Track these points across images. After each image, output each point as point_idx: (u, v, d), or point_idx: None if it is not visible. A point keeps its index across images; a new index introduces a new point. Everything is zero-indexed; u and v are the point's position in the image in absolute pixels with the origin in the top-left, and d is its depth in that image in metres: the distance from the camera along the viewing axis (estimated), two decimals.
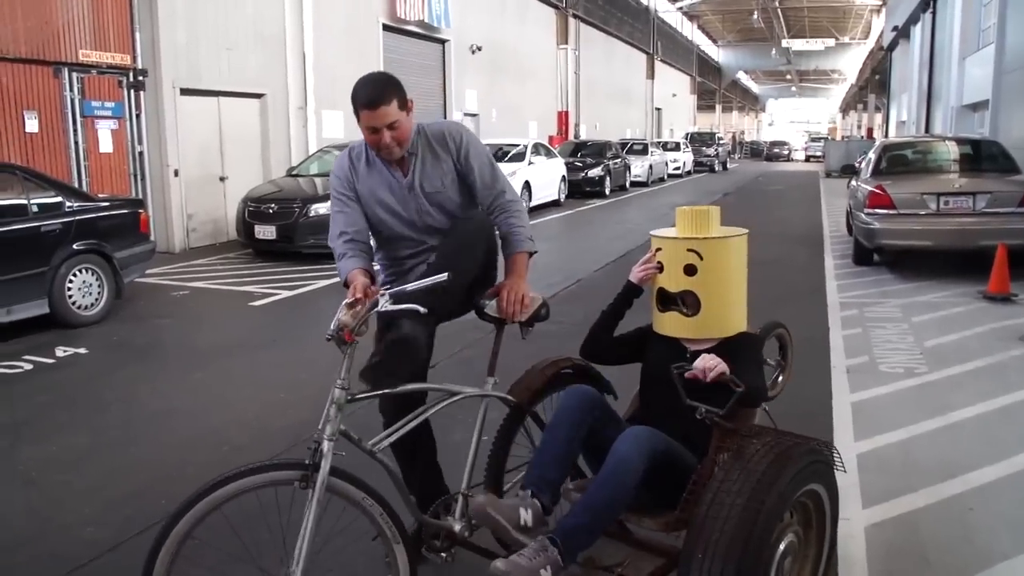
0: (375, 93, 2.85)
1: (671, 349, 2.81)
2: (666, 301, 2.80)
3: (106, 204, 8.19)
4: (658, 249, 2.82)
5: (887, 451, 4.39)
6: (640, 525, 2.66)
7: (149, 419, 5.17)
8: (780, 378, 3.28)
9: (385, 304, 2.44)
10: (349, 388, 2.42)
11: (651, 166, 28.72)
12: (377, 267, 3.13)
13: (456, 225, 3.03)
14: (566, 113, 29.34)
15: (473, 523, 2.81)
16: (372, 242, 3.09)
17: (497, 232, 3.07)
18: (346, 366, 2.42)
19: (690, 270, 2.70)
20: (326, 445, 2.35)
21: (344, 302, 2.54)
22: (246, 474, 2.29)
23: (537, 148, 19.20)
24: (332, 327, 2.42)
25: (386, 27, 17.68)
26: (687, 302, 2.75)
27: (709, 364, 2.44)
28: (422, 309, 2.49)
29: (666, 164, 31.82)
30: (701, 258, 2.68)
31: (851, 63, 62.95)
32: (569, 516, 2.47)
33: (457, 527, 2.79)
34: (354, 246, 2.99)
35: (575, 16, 29.80)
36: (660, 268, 2.81)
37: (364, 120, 2.86)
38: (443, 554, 2.90)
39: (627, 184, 25.56)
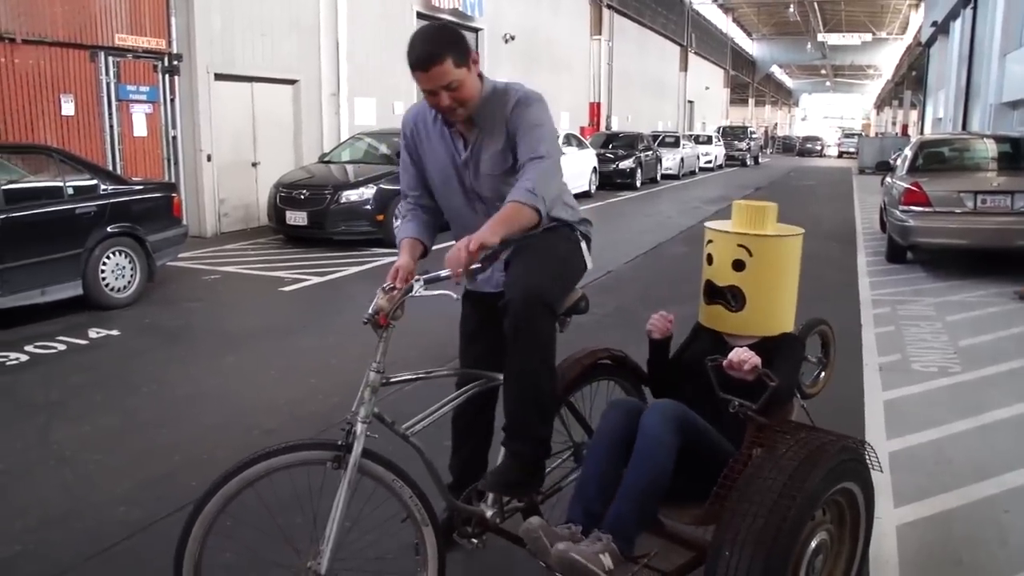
0: (426, 51, 2.56)
1: (714, 342, 2.83)
2: (712, 294, 2.80)
3: (140, 188, 8.27)
4: (710, 241, 2.82)
5: (920, 450, 4.33)
6: (670, 517, 2.64)
7: (180, 401, 5.22)
8: (822, 375, 3.24)
9: (419, 290, 2.44)
10: (384, 371, 2.43)
11: (682, 159, 28.52)
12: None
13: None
14: (598, 104, 29.21)
15: (505, 511, 2.81)
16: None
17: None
18: (381, 350, 2.43)
19: (738, 265, 2.70)
20: (359, 427, 2.36)
21: (382, 286, 2.56)
22: (279, 452, 2.32)
23: (569, 139, 19.13)
24: (370, 310, 2.43)
25: (420, 15, 17.67)
26: (732, 296, 2.74)
27: (743, 356, 2.43)
28: (455, 296, 2.48)
29: (697, 157, 31.60)
30: (751, 254, 2.68)
31: (887, 59, 62.09)
32: (613, 507, 2.44)
33: (489, 513, 2.78)
34: (415, 209, 2.95)
35: (609, 7, 29.62)
36: (709, 260, 2.80)
37: (419, 82, 2.61)
38: (474, 540, 2.91)
39: (658, 177, 25.42)
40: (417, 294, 2.44)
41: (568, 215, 2.89)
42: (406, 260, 2.69)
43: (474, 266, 2.39)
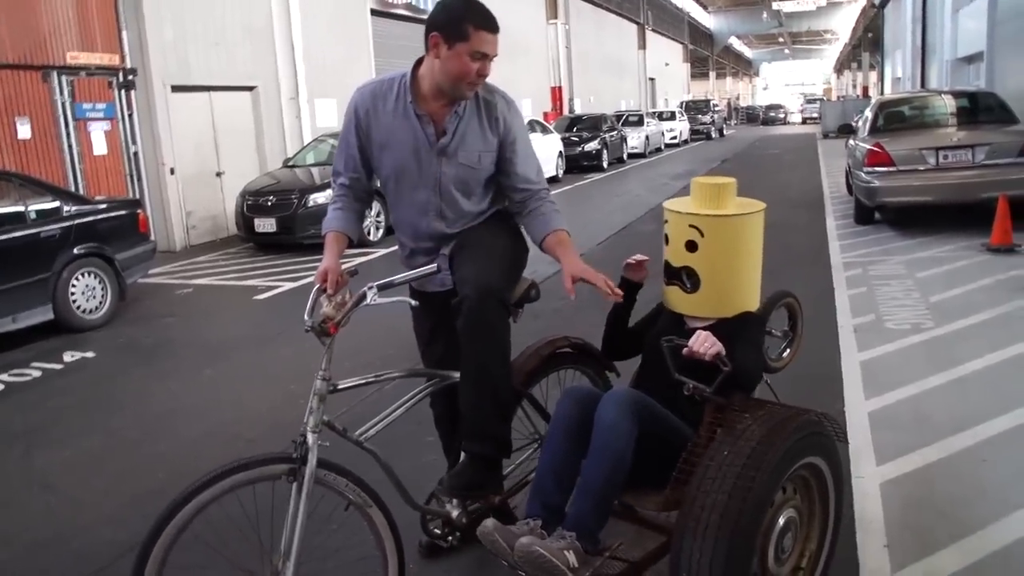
0: (494, 18, 2.63)
1: (674, 323, 2.78)
2: (670, 275, 2.74)
3: (104, 206, 8.18)
4: (666, 221, 2.77)
5: (898, 408, 4.39)
6: (635, 504, 2.61)
7: (161, 418, 5.18)
8: (789, 349, 3.24)
9: (373, 298, 2.40)
10: (331, 379, 2.41)
11: (647, 137, 28.59)
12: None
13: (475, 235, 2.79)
14: (559, 88, 29.19)
15: (470, 510, 2.79)
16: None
17: (527, 217, 2.81)
18: (327, 358, 2.40)
19: (691, 246, 2.64)
20: (311, 437, 2.32)
21: (316, 288, 2.54)
22: (234, 471, 2.26)
23: (533, 125, 19.12)
24: (311, 320, 2.40)
25: (374, 12, 17.58)
26: (687, 277, 2.69)
27: (705, 346, 2.38)
28: (413, 302, 2.48)
29: (662, 134, 31.71)
30: (702, 235, 2.62)
31: (843, 22, 62.46)
32: (573, 503, 2.42)
33: (455, 514, 2.76)
34: (346, 196, 2.88)
35: None
36: (667, 240, 2.76)
37: (478, 43, 2.57)
38: (448, 540, 2.91)
39: (624, 156, 25.48)
40: (371, 303, 2.39)
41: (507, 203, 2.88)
42: (332, 261, 2.67)
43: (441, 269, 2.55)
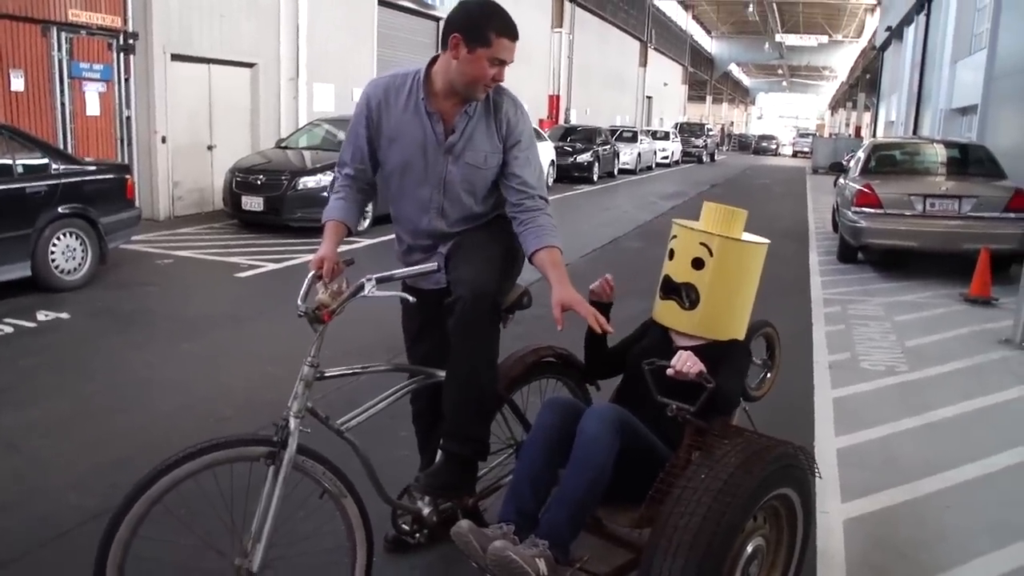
0: (515, 25, 2.66)
1: (662, 339, 2.81)
2: (668, 289, 2.76)
3: (92, 168, 8.12)
4: (674, 236, 2.78)
5: (867, 447, 4.45)
6: (607, 519, 2.62)
7: (134, 387, 5.14)
8: (767, 377, 3.28)
9: (371, 290, 2.40)
10: (319, 366, 2.41)
11: (640, 154, 28.73)
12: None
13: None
14: (557, 97, 29.27)
15: (441, 509, 2.80)
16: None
17: (522, 226, 2.77)
18: (317, 344, 2.40)
19: (697, 263, 2.67)
20: (293, 423, 2.32)
21: (312, 274, 2.55)
22: (213, 449, 2.25)
23: None
24: (305, 305, 2.40)
25: (381, 2, 17.54)
26: (687, 294, 2.72)
27: (687, 367, 2.41)
28: (411, 298, 2.46)
29: (655, 153, 31.90)
30: (711, 254, 2.65)
31: (843, 61, 63.17)
32: (548, 511, 2.42)
33: (426, 511, 2.78)
34: (349, 186, 2.89)
35: (571, 0, 29.67)
36: (671, 255, 2.78)
37: (498, 49, 2.61)
38: (416, 536, 2.93)
39: (615, 171, 25.59)
40: (369, 294, 2.40)
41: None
42: (330, 249, 2.69)
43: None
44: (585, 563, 2.47)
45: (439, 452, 2.76)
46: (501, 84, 2.78)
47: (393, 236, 3.07)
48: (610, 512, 2.59)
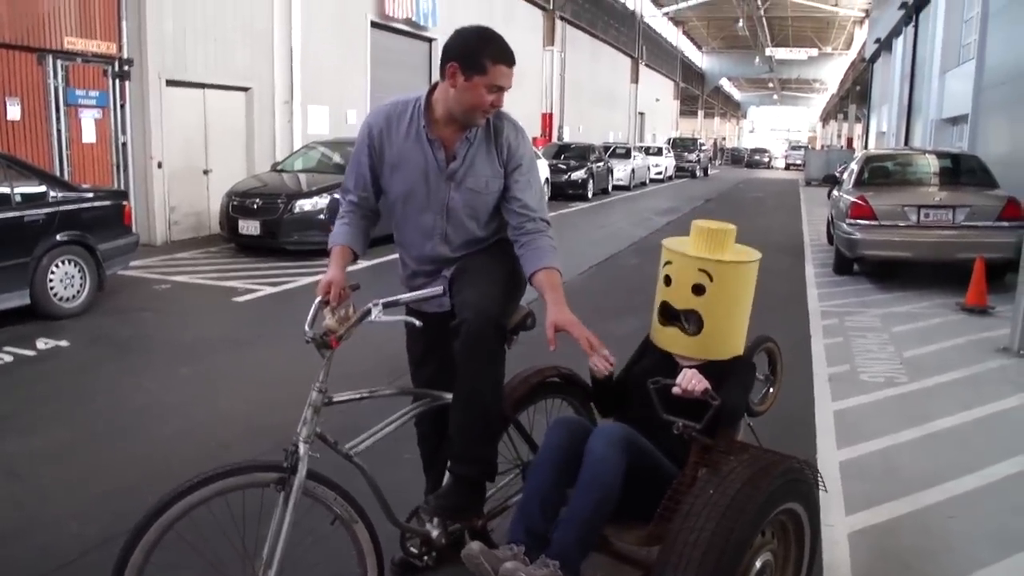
0: (511, 51, 2.68)
1: (663, 360, 2.82)
2: (668, 316, 2.77)
3: (90, 195, 8.13)
4: (668, 262, 2.77)
5: (869, 459, 4.46)
6: (615, 538, 2.62)
7: (135, 414, 5.14)
8: (770, 392, 3.30)
9: (377, 315, 2.42)
10: (327, 391, 2.42)
11: (633, 170, 28.82)
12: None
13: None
14: (550, 115, 29.39)
15: (450, 531, 2.80)
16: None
17: (523, 248, 2.77)
18: (325, 370, 2.41)
19: (699, 290, 2.67)
20: (302, 448, 2.33)
21: (319, 299, 2.55)
22: (222, 476, 2.26)
23: None
24: (312, 331, 2.41)
25: (374, 24, 17.65)
26: (689, 320, 2.73)
27: (693, 384, 2.46)
28: (417, 323, 2.47)
29: (648, 169, 31.98)
30: (712, 280, 2.65)
31: (833, 73, 63.51)
32: (558, 531, 2.43)
33: (435, 534, 2.77)
34: (354, 212, 2.90)
35: (562, 18, 29.86)
36: (667, 281, 2.77)
37: (495, 76, 2.62)
38: (424, 559, 2.90)
39: (609, 188, 25.67)
40: (375, 320, 2.41)
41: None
42: (337, 274, 2.68)
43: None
44: None
45: (447, 474, 2.76)
46: (501, 109, 2.79)
47: (395, 257, 3.08)
48: (618, 531, 2.59)
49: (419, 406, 2.79)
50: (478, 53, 2.61)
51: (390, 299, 2.49)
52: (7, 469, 4.25)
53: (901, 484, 4.10)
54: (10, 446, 4.56)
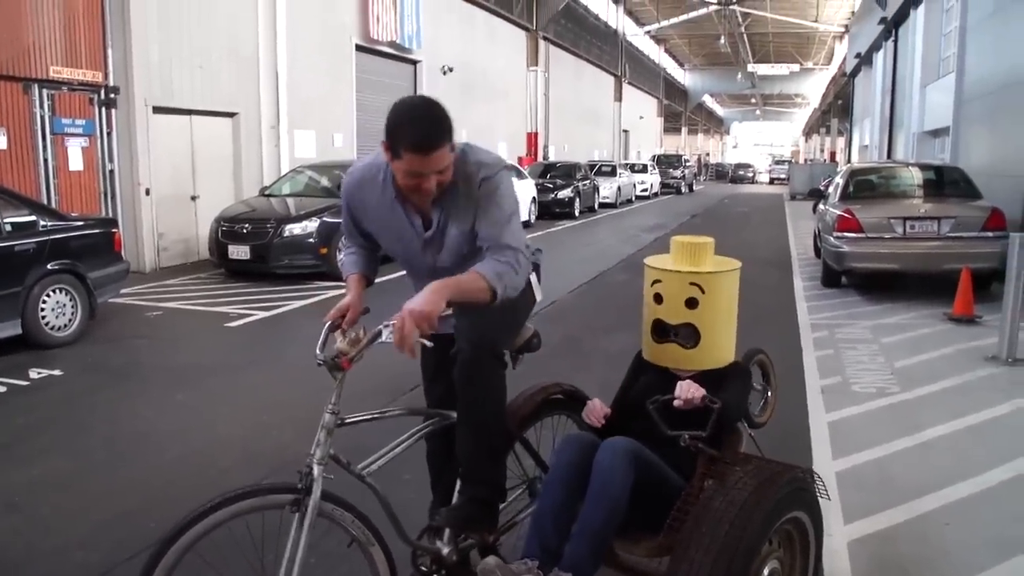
0: (433, 133, 2.41)
1: (660, 376, 2.88)
2: (662, 333, 2.84)
3: (79, 224, 8.13)
4: (657, 280, 2.84)
5: (864, 469, 4.51)
6: (625, 550, 2.67)
7: (132, 441, 5.14)
8: (768, 400, 3.36)
9: (388, 336, 2.41)
10: (339, 413, 2.45)
11: (619, 188, 28.97)
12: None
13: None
14: (535, 134, 29.58)
15: (460, 548, 2.82)
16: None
17: None
18: (337, 392, 2.44)
19: (692, 303, 2.75)
20: (316, 470, 2.35)
21: (328, 324, 2.58)
22: (239, 498, 2.29)
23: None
24: (323, 353, 2.44)
25: (359, 47, 17.75)
26: (681, 334, 2.79)
27: (691, 394, 2.55)
28: (428, 343, 2.42)
29: (634, 186, 32.14)
30: (703, 292, 2.74)
31: (814, 88, 64.13)
32: (570, 545, 2.48)
33: (446, 551, 2.79)
34: (358, 248, 2.93)
35: (545, 39, 30.11)
36: (658, 299, 2.84)
37: (410, 164, 2.43)
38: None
39: (596, 206, 25.78)
40: (386, 340, 2.41)
41: None
42: (354, 298, 2.72)
43: (421, 337, 2.33)
44: None
45: (456, 494, 2.79)
46: (470, 150, 2.65)
47: (398, 275, 3.10)
48: (627, 544, 2.64)
49: (429, 425, 2.83)
50: (394, 137, 2.44)
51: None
52: (6, 500, 4.24)
53: (897, 493, 4.15)
54: (8, 476, 4.55)
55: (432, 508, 3.07)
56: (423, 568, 2.93)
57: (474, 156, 2.64)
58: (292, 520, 2.33)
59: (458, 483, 2.79)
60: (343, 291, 2.82)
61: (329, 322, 2.62)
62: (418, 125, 2.41)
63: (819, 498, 2.66)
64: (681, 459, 2.63)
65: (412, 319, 2.26)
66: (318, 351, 2.46)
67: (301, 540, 2.30)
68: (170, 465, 4.69)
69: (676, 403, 2.55)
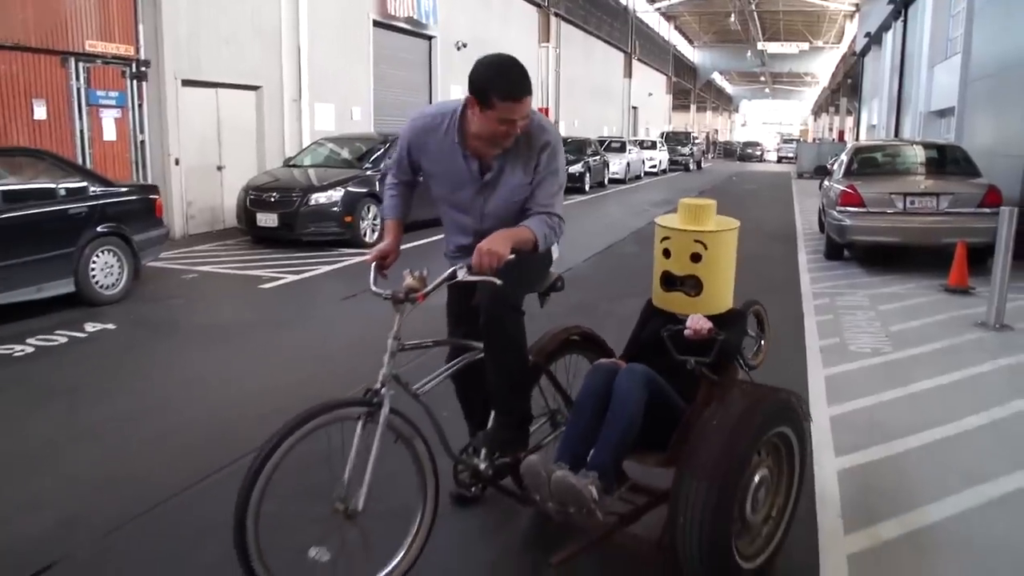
0: (524, 83, 2.80)
1: (667, 322, 3.34)
2: (670, 283, 3.31)
3: (125, 190, 8.61)
4: (666, 238, 3.30)
5: (856, 414, 5.00)
6: (639, 463, 3.14)
7: (188, 385, 5.64)
8: (762, 346, 3.84)
9: (463, 276, 2.83)
10: (401, 339, 2.87)
11: (629, 164, 29.37)
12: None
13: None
14: (546, 110, 29.85)
15: (496, 464, 3.28)
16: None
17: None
18: (398, 322, 2.85)
19: (696, 258, 3.21)
20: (384, 387, 2.79)
21: (373, 264, 3.06)
22: (324, 411, 2.70)
23: None
24: (389, 290, 2.83)
25: (376, 23, 18.11)
26: (687, 284, 3.26)
27: (700, 325, 3.07)
28: (498, 281, 2.79)
29: (643, 162, 32.54)
30: (706, 248, 3.20)
31: (824, 67, 64.08)
32: (594, 453, 2.95)
33: (482, 466, 3.28)
34: (400, 185, 3.35)
35: (556, 15, 30.36)
36: (667, 254, 3.29)
37: (503, 111, 2.79)
38: (473, 489, 3.51)
39: (605, 181, 26.19)
40: (461, 279, 2.84)
41: None
42: (393, 244, 3.21)
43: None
44: (623, 494, 3.04)
45: (492, 420, 3.28)
46: (535, 115, 3.02)
47: (434, 240, 3.55)
48: (640, 456, 3.12)
49: (468, 357, 3.27)
50: (486, 89, 2.82)
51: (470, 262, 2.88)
52: (90, 432, 4.75)
53: (883, 434, 4.64)
54: (86, 413, 5.07)
55: (470, 435, 3.56)
56: (463, 480, 3.46)
57: (536, 118, 3.04)
58: (356, 431, 2.73)
59: (492, 413, 3.28)
60: (366, 256, 3.24)
61: (375, 263, 3.08)
62: (511, 76, 2.82)
63: (804, 419, 3.16)
64: (685, 387, 3.12)
65: (487, 256, 2.73)
66: (374, 287, 2.91)
67: (374, 445, 2.73)
68: (227, 405, 5.20)
69: (687, 332, 3.06)
